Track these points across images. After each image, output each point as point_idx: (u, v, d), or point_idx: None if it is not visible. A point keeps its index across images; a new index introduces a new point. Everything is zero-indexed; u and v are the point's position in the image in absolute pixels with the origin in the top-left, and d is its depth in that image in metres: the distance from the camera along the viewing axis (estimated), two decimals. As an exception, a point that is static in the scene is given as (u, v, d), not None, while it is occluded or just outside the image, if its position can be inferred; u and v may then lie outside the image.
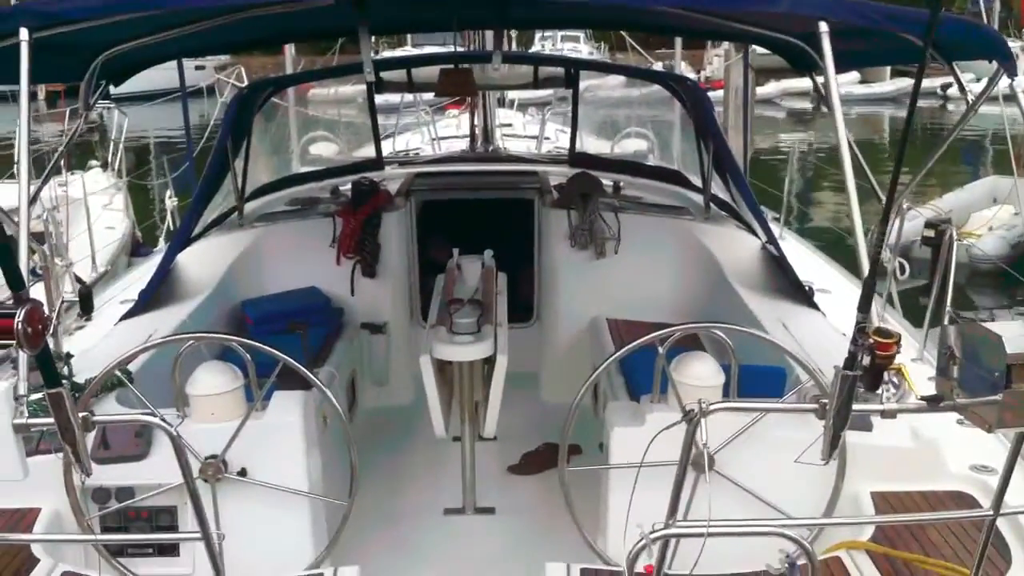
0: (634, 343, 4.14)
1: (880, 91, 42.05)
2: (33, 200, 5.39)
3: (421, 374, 6.63)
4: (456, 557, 4.84)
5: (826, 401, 3.04)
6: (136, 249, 12.36)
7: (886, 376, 3.14)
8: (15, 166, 12.02)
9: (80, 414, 2.83)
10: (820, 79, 5.40)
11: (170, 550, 4.19)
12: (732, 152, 6.38)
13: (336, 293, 6.62)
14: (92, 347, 5.02)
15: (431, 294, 7.01)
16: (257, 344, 4.03)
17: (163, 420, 2.94)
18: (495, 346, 4.75)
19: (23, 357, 2.95)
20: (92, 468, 2.94)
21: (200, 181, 6.33)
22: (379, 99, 8.91)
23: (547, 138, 11.42)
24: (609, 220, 6.61)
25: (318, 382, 4.05)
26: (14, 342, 2.58)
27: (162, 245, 9.91)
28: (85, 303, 3.04)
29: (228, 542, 4.13)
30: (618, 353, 4.12)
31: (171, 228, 10.20)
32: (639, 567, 3.05)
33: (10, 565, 3.54)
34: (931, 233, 14.54)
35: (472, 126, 8.52)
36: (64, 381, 2.84)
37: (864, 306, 2.85)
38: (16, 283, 2.65)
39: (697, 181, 7.28)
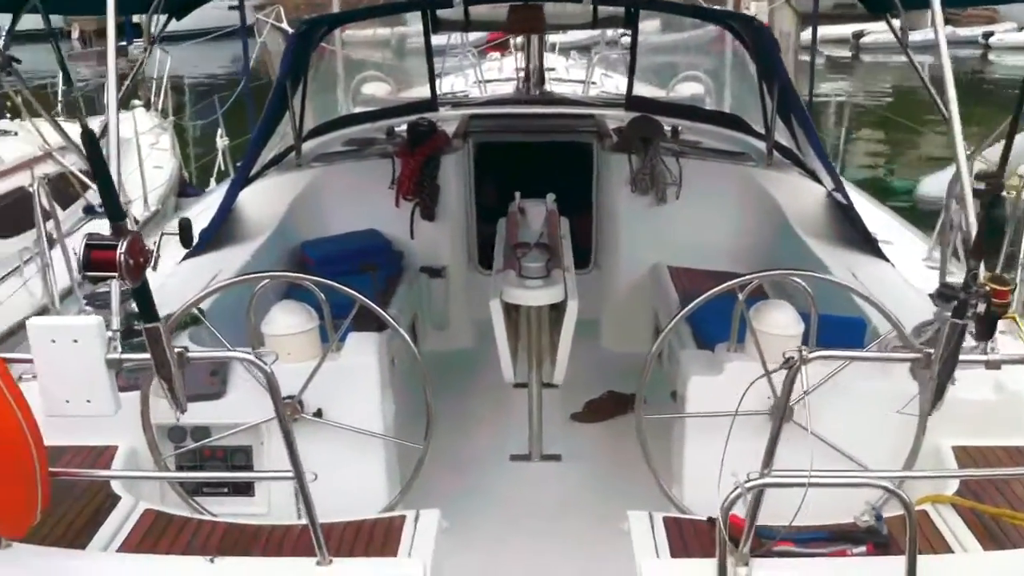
0: (714, 290, 4.07)
1: (920, 39, 41.18)
2: (101, 136, 5.37)
3: (480, 319, 6.59)
4: (526, 503, 4.84)
5: (931, 351, 2.98)
6: (183, 189, 12.35)
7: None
8: (60, 103, 12.00)
9: (176, 350, 2.82)
10: (896, 22, 5.28)
11: (245, 489, 4.20)
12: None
13: (395, 235, 6.58)
14: (157, 286, 5.00)
15: (488, 238, 6.97)
16: (335, 284, 4.01)
17: (258, 358, 2.92)
18: (565, 291, 4.70)
19: (116, 290, 2.92)
20: (186, 405, 2.93)
21: (259, 120, 6.29)
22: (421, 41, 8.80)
23: (592, 82, 11.26)
24: (670, 165, 6.52)
25: (395, 324, 4.03)
26: (115, 274, 2.56)
27: (213, 185, 9.88)
28: (185, 235, 3.01)
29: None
30: (698, 300, 4.05)
31: (222, 168, 10.15)
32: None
33: (92, 501, 3.56)
34: (982, 185, 14.35)
35: (527, 68, 8.39)
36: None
37: (976, 252, 2.77)
38: (116, 214, 2.62)
39: (754, 126, 7.17)
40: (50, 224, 7.44)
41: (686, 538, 3.42)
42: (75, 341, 2.77)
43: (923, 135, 20.91)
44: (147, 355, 2.84)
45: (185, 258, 5.74)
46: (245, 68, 6.77)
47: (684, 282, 6.04)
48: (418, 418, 4.45)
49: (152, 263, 2.70)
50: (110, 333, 2.88)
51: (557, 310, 4.95)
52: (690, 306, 4.04)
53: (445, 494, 4.53)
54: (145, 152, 11.67)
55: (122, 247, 2.54)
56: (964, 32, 38.41)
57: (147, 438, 3.97)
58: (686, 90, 8.48)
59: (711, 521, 3.49)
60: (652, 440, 4.36)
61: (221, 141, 10.17)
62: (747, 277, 4.05)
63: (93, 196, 10.10)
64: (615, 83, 11.95)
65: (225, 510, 4.02)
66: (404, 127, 7.15)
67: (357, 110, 8.05)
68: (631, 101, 7.72)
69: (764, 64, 6.49)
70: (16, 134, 10.71)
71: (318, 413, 4.05)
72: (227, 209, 5.80)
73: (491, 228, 6.85)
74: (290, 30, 12.93)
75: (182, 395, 2.88)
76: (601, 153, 6.84)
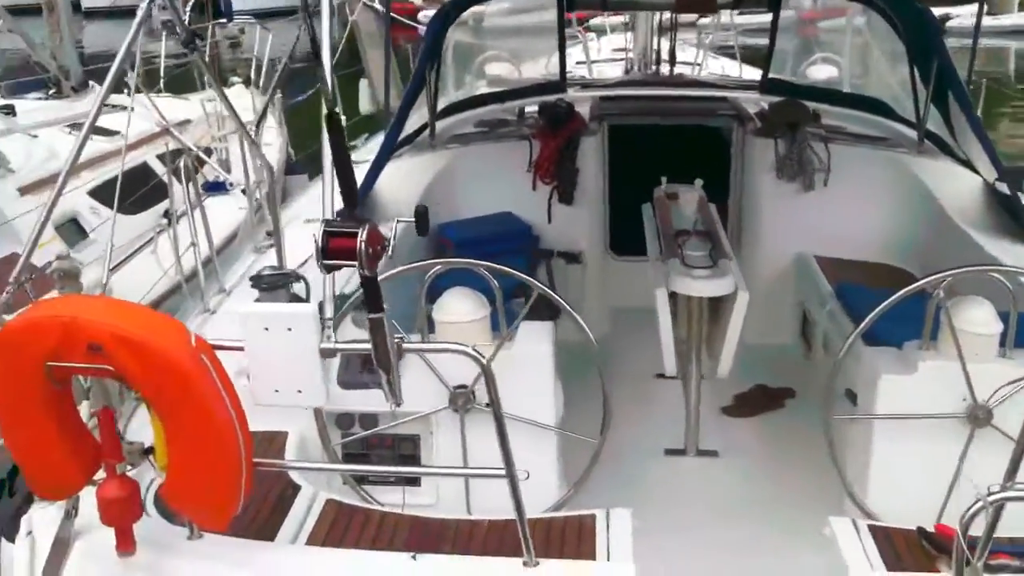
0: (908, 288, 3.89)
1: (1008, 23, 39.68)
2: (262, 116, 5.31)
3: (615, 306, 6.39)
4: (695, 501, 4.66)
5: None
6: (289, 167, 12.30)
7: None
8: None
9: (395, 340, 2.71)
10: None
11: (411, 480, 4.11)
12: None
13: (531, 219, 6.44)
14: (302, 270, 4.91)
15: (621, 223, 6.79)
16: (509, 270, 3.89)
17: (474, 351, 2.79)
18: (736, 282, 4.52)
19: (328, 279, 2.81)
20: (402, 397, 2.82)
21: (402, 99, 6.18)
22: (520, 20, 8.62)
23: (698, 64, 11.01)
24: (818, 150, 6.28)
25: (574, 313, 3.90)
26: (353, 263, 2.46)
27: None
28: (421, 222, 2.88)
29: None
30: (895, 297, 3.86)
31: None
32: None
33: (273, 490, 3.47)
34: None
35: (657, 49, 8.16)
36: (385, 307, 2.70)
37: None
38: (353, 201, 2.52)
39: (901, 112, 6.89)
40: (180, 202, 7.43)
41: (898, 549, 3.23)
42: (289, 330, 2.68)
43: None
44: (361, 344, 2.74)
45: None
46: (387, 41, 6.54)
47: (835, 273, 5.80)
48: (575, 409, 4.31)
49: (389, 251, 2.57)
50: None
51: (716, 300, 4.77)
52: (888, 301, 3.85)
53: (606, 489, 4.39)
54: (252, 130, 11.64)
55: (362, 235, 2.43)
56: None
57: (318, 425, 3.89)
58: (820, 73, 8.15)
59: (921, 531, 3.31)
60: (817, 439, 4.19)
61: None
62: (946, 273, 3.85)
63: (209, 172, 10.12)
64: (720, 64, 11.69)
65: (391, 499, 3.93)
66: (535, 108, 7.01)
67: (483, 90, 7.89)
68: (767, 83, 7.47)
69: (919, 46, 6.19)
70: (133, 109, 10.74)
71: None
72: (368, 190, 5.70)
73: (624, 213, 6.67)
74: (381, 8, 12.81)
75: (399, 385, 2.77)
76: (745, 137, 6.61)
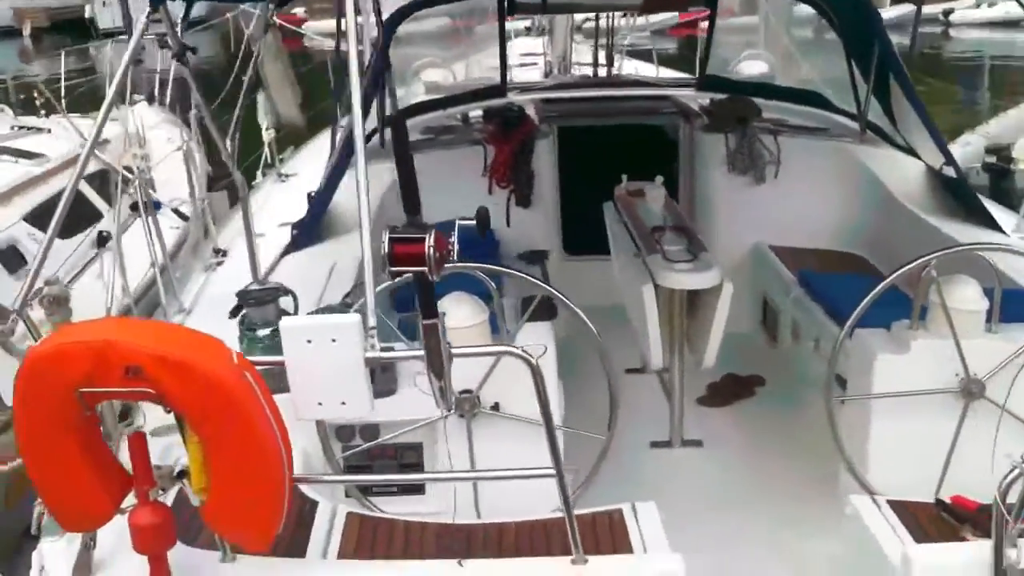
0: (898, 271, 3.98)
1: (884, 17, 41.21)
2: (235, 129, 5.21)
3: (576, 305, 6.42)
4: (689, 490, 4.70)
5: None
6: (211, 184, 12.04)
7: None
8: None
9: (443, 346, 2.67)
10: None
11: (415, 488, 4.07)
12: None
13: (491, 223, 6.41)
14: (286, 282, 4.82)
15: (574, 223, 6.82)
16: (515, 271, 3.88)
17: (524, 352, 2.77)
18: (720, 274, 4.58)
19: (371, 287, 2.76)
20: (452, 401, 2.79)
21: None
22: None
23: (608, 64, 11.13)
24: (767, 143, 6.41)
25: (580, 312, 3.91)
26: (422, 269, 2.43)
27: (259, 178, 9.66)
28: (482, 224, 2.89)
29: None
30: (884, 283, 3.96)
31: (268, 161, 9.92)
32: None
33: (292, 506, 3.39)
34: (993, 159, 14.11)
35: (594, 52, 8.21)
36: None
37: None
38: (414, 207, 2.49)
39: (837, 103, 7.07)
40: (107, 223, 7.22)
41: (920, 522, 3.31)
42: (333, 340, 2.61)
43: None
44: (409, 352, 2.70)
45: (286, 252, 5.58)
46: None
47: (792, 262, 5.93)
48: (570, 404, 4.33)
49: (454, 255, 2.55)
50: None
51: (695, 292, 4.82)
52: (880, 287, 3.94)
53: (603, 484, 4.38)
54: (163, 147, 11.33)
55: (430, 240, 2.41)
56: (924, 9, 37.99)
57: (321, 437, 3.83)
58: (752, 69, 8.32)
59: (940, 503, 3.40)
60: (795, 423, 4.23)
61: (267, 134, 9.89)
62: (933, 255, 3.95)
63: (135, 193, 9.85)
64: (634, 66, 11.86)
65: (395, 509, 3.88)
66: (478, 113, 7.00)
67: (422, 98, 7.85)
68: (704, 80, 7.58)
69: (857, 37, 6.36)
70: (50, 131, 10.44)
71: (495, 407, 3.92)
72: (327, 203, 5.64)
73: (575, 213, 6.70)
74: (279, 22, 12.67)
75: (451, 392, 2.73)
76: (693, 133, 6.70)
